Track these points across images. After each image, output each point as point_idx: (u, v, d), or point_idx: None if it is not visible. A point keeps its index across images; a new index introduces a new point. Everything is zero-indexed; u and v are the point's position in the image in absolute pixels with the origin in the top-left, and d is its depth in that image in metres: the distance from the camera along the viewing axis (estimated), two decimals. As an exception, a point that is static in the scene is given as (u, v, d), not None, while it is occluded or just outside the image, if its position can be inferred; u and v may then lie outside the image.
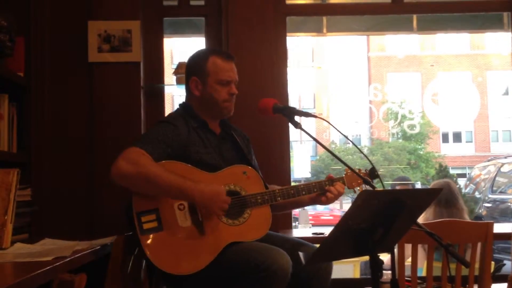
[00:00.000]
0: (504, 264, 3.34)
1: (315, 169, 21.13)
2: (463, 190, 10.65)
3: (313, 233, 2.98)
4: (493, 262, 2.91)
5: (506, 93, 24.68)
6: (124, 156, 2.24)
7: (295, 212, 7.88)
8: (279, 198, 2.44)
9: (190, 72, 2.55)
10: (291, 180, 3.46)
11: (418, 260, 2.50)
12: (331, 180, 2.52)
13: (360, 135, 22.87)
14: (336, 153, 2.35)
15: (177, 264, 2.23)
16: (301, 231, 3.41)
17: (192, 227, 2.29)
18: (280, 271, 2.11)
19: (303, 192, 2.49)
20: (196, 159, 2.40)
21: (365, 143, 23.15)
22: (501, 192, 9.09)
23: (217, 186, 2.28)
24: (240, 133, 2.70)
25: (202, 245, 2.27)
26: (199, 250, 2.26)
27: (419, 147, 22.41)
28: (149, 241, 2.23)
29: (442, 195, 3.58)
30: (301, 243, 2.51)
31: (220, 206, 2.24)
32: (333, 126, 2.39)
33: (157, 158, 2.29)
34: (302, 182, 2.72)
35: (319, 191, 2.52)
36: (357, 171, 2.40)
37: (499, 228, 3.15)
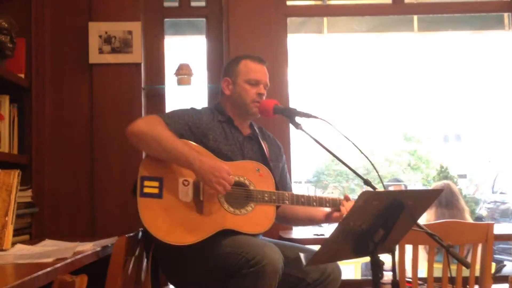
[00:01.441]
0: (505, 265, 3.35)
1: (316, 170, 21.13)
2: (463, 191, 10.65)
3: (314, 234, 2.98)
4: (493, 263, 2.91)
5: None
6: (143, 118, 2.44)
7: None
8: (287, 202, 2.45)
9: (224, 73, 2.67)
10: (292, 181, 3.45)
11: (418, 261, 2.50)
12: (346, 200, 2.52)
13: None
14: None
15: (168, 232, 2.25)
16: (301, 232, 3.39)
17: (192, 204, 2.31)
18: (270, 266, 2.11)
19: (314, 203, 2.50)
20: (213, 147, 2.45)
21: (365, 143, 23.12)
22: (501, 193, 9.08)
23: (222, 163, 2.31)
24: (272, 140, 2.76)
25: (197, 222, 2.29)
26: (193, 226, 2.28)
27: (420, 147, 22.40)
28: (145, 204, 2.28)
29: (443, 196, 3.60)
30: (299, 247, 2.52)
31: (218, 181, 2.24)
32: (335, 128, 2.38)
33: (172, 131, 2.37)
34: (303, 183, 2.72)
35: (331, 206, 2.52)
36: (375, 186, 2.33)
37: (500, 229, 3.15)
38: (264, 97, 2.60)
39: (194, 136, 2.45)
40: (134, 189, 2.34)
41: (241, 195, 2.38)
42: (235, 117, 2.61)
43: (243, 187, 2.40)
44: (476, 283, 2.56)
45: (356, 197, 2.52)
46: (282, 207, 2.58)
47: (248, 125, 2.68)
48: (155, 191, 2.31)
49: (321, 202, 2.51)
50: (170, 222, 2.27)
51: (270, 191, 2.43)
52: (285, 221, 2.74)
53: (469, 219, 3.68)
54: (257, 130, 2.69)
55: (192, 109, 2.57)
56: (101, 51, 3.19)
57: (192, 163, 2.26)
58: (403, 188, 5.05)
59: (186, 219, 2.29)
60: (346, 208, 2.48)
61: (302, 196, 2.49)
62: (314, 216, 2.62)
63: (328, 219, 2.57)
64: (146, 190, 2.30)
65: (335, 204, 2.51)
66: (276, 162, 2.67)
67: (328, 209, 2.57)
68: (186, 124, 2.45)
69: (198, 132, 2.46)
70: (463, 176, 17.57)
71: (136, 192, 2.31)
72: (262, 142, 2.64)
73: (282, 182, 2.70)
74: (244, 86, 2.58)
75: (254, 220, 2.37)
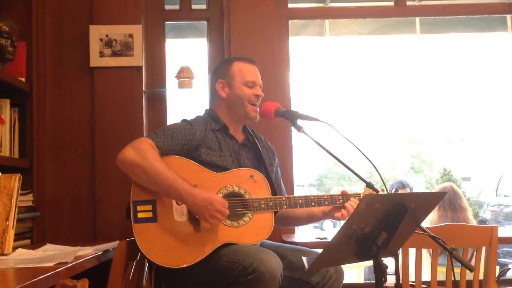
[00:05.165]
0: (509, 268, 3.33)
1: (318, 173, 21.14)
2: (467, 194, 10.63)
3: (316, 238, 2.97)
4: (497, 266, 2.89)
5: None
6: (133, 144, 2.32)
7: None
8: (285, 206, 2.42)
9: (216, 76, 2.61)
10: (294, 184, 3.44)
11: (422, 265, 2.49)
12: (345, 196, 2.50)
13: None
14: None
15: (166, 256, 2.23)
16: (304, 235, 3.38)
17: (188, 223, 2.29)
18: (268, 273, 2.09)
19: (313, 204, 2.47)
20: (206, 160, 2.42)
21: (367, 146, 23.08)
22: (505, 196, 9.05)
23: (213, 195, 2.27)
24: (265, 143, 2.73)
25: (195, 241, 2.27)
26: (191, 246, 2.26)
27: (423, 150, 22.38)
28: (141, 230, 2.25)
29: (446, 197, 3.61)
30: (303, 250, 2.50)
31: (212, 214, 2.22)
32: (337, 131, 2.35)
33: (165, 153, 2.34)
34: (305, 186, 2.70)
35: (330, 204, 2.49)
36: (377, 188, 2.29)
37: (504, 232, 3.13)
38: (261, 98, 2.57)
39: (187, 152, 2.42)
40: (127, 213, 2.31)
41: (237, 206, 2.36)
42: (230, 124, 2.56)
43: (238, 197, 2.38)
44: (480, 286, 2.55)
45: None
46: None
47: (242, 130, 2.64)
48: (149, 215, 2.28)
49: (319, 201, 2.48)
50: (168, 245, 2.25)
51: (266, 198, 2.41)
52: (284, 223, 2.72)
53: (472, 219, 3.70)
54: (251, 133, 2.66)
55: (184, 123, 2.51)
56: (102, 54, 3.18)
57: (184, 198, 2.24)
58: (408, 191, 5.04)
59: (184, 240, 2.27)
60: (347, 208, 2.46)
61: (300, 197, 2.46)
62: (313, 214, 2.60)
63: (327, 216, 2.55)
64: (140, 215, 2.27)
65: (333, 202, 2.48)
66: (270, 166, 2.65)
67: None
68: (179, 143, 2.40)
69: (191, 148, 2.43)
70: (466, 179, 17.54)
71: (130, 217, 2.28)
72: (258, 145, 2.61)
73: (277, 185, 2.67)
74: (242, 88, 2.54)
75: (253, 230, 2.35)
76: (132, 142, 2.34)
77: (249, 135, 2.64)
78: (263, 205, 2.38)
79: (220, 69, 2.63)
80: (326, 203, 2.49)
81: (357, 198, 2.51)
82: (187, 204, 2.26)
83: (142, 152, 2.28)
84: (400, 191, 2.14)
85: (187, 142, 2.42)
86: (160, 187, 2.27)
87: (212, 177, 2.38)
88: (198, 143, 2.44)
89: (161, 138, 2.37)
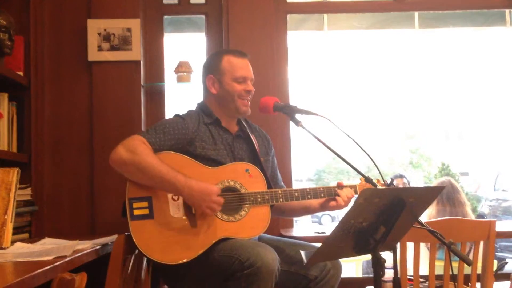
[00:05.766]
0: (507, 263, 3.34)
1: (316, 168, 21.17)
2: (465, 189, 10.66)
3: (315, 232, 2.97)
4: (495, 261, 2.90)
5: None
6: (124, 143, 2.30)
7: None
8: (281, 199, 2.42)
9: (206, 70, 2.59)
10: (292, 179, 3.44)
11: (420, 259, 2.49)
12: (341, 187, 2.50)
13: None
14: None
15: (164, 252, 2.23)
16: (302, 230, 3.39)
17: (184, 218, 2.29)
18: (265, 268, 2.09)
19: (309, 196, 2.46)
20: (201, 154, 2.41)
21: (366, 141, 23.07)
22: (503, 191, 9.08)
23: (209, 185, 2.26)
24: (260, 133, 2.71)
25: (192, 237, 2.26)
26: (188, 242, 2.26)
27: (421, 145, 22.41)
28: (137, 227, 2.24)
29: (444, 192, 3.61)
30: (301, 244, 2.50)
31: (209, 205, 2.22)
32: (336, 125, 2.35)
33: (158, 149, 2.33)
34: (304, 181, 2.69)
35: (326, 196, 2.49)
36: (373, 180, 2.31)
37: (502, 226, 3.14)
38: (252, 93, 2.55)
39: (181, 147, 2.40)
40: (123, 211, 2.29)
41: (233, 201, 2.35)
42: (222, 118, 2.55)
43: (234, 191, 2.38)
44: (478, 280, 2.55)
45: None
46: None
47: (236, 122, 2.62)
48: (146, 212, 2.27)
49: (315, 194, 2.47)
50: (165, 242, 2.24)
51: (262, 192, 2.40)
52: (281, 214, 2.72)
53: (470, 214, 3.70)
54: (244, 124, 2.64)
55: (177, 117, 2.48)
56: (100, 49, 3.17)
57: (180, 191, 2.23)
58: (405, 181, 5.07)
59: (181, 236, 2.27)
60: (342, 196, 2.47)
61: (296, 190, 2.46)
62: (309, 206, 2.59)
63: (323, 208, 2.54)
64: (136, 212, 2.26)
65: (329, 194, 2.49)
66: (266, 156, 2.65)
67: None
68: (172, 138, 2.38)
69: (185, 142, 2.41)
70: (465, 174, 17.57)
71: (126, 214, 2.26)
72: (251, 136, 2.61)
73: (273, 176, 2.68)
74: (232, 84, 2.51)
75: (249, 224, 2.35)
76: (123, 141, 2.31)
77: (243, 127, 2.63)
78: (259, 199, 2.38)
79: (210, 63, 2.59)
80: (322, 195, 2.48)
81: (352, 189, 2.51)
82: (184, 196, 2.25)
83: (133, 148, 2.27)
84: (395, 181, 2.15)
85: (180, 136, 2.40)
86: (154, 182, 2.26)
87: (208, 172, 2.37)
88: (191, 136, 2.43)
89: (153, 135, 2.35)
